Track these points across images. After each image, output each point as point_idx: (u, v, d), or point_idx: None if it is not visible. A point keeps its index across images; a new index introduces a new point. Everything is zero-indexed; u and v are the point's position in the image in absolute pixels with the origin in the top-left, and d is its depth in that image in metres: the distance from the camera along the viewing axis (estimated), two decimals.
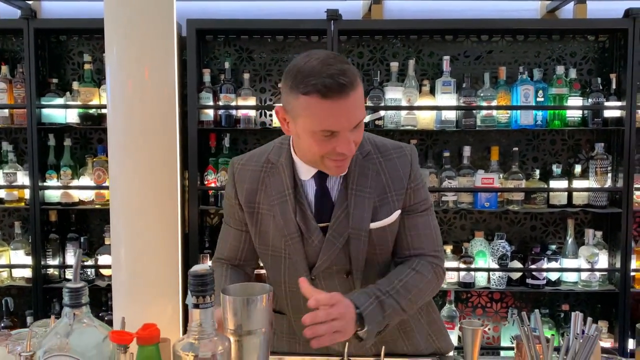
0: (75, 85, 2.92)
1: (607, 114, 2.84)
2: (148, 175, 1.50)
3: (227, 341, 0.95)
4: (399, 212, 1.37)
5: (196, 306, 0.88)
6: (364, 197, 1.34)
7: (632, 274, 2.83)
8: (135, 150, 1.51)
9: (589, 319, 1.05)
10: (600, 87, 2.87)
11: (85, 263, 2.93)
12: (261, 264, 1.53)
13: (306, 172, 1.36)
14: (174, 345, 0.89)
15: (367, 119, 2.89)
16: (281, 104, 1.28)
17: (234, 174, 1.43)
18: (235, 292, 1.22)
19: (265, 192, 1.38)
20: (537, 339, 1.31)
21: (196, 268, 0.90)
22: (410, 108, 2.85)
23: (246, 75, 2.92)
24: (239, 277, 1.46)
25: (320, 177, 1.35)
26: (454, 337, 2.89)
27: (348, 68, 1.19)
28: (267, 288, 1.21)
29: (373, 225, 1.35)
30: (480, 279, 2.92)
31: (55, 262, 2.96)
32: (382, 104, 2.87)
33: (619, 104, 2.82)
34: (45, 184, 2.92)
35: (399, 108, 2.86)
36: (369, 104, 2.86)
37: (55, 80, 2.95)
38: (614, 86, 2.85)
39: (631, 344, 2.81)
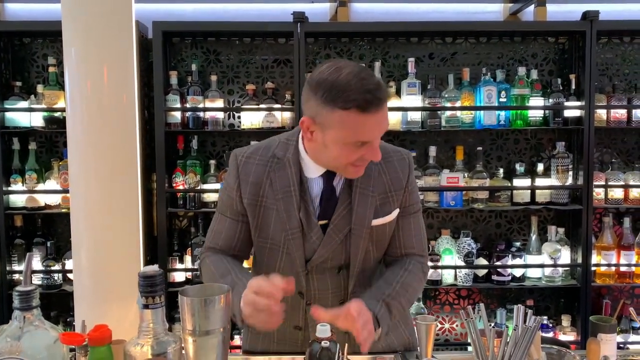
0: (39, 88, 2.89)
1: (568, 113, 2.92)
2: (108, 178, 1.51)
3: (177, 341, 0.96)
4: (397, 210, 1.45)
5: (146, 307, 0.90)
6: (367, 196, 1.41)
7: (593, 268, 2.91)
8: (95, 152, 1.51)
9: (530, 312, 1.09)
10: (561, 88, 2.95)
11: (52, 268, 2.90)
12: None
13: (314, 171, 1.40)
14: (124, 345, 0.90)
15: None
16: (307, 115, 1.31)
17: (237, 166, 1.45)
18: (194, 292, 1.23)
19: (271, 187, 1.41)
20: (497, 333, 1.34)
21: (145, 269, 0.92)
22: None
23: (213, 77, 2.93)
24: (240, 264, 1.47)
25: (328, 176, 1.41)
26: None
27: (379, 81, 1.26)
28: (225, 288, 1.22)
29: (375, 222, 1.42)
30: (447, 276, 2.97)
31: (21, 267, 2.92)
32: None
33: (578, 103, 2.90)
34: (9, 188, 2.88)
35: None
36: None
37: (19, 83, 2.92)
38: (573, 86, 2.93)
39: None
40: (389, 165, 1.45)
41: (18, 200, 2.91)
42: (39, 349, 0.87)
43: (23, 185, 2.89)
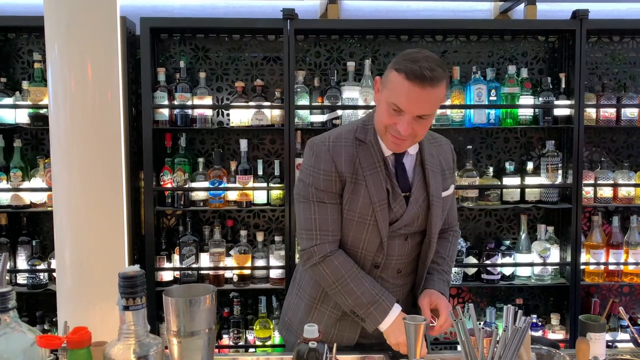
0: (25, 84, 2.84)
1: (557, 112, 2.92)
2: (92, 177, 1.48)
3: (160, 343, 0.94)
4: (453, 186, 1.71)
5: (126, 308, 0.87)
6: (435, 172, 1.63)
7: (582, 267, 2.92)
8: (79, 150, 1.48)
9: (520, 312, 1.08)
10: (551, 86, 2.95)
11: (38, 267, 2.85)
12: None
13: (387, 149, 1.57)
14: (104, 348, 0.87)
15: (324, 117, 2.90)
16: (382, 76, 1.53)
17: (328, 150, 1.56)
18: (179, 293, 1.21)
19: (360, 165, 1.56)
20: (484, 329, 1.34)
21: (126, 269, 0.89)
22: (367, 107, 2.87)
23: (202, 74, 2.90)
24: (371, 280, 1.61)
25: (397, 156, 1.58)
26: None
27: (439, 70, 1.41)
28: (211, 288, 1.21)
29: (443, 194, 1.65)
30: None
31: (6, 266, 2.87)
32: (339, 104, 2.88)
33: (568, 102, 2.90)
34: None
35: (355, 107, 2.87)
36: (326, 103, 2.87)
37: (3, 80, 2.87)
38: (563, 85, 2.93)
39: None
40: (440, 149, 1.68)
41: (2, 198, 2.86)
42: (16, 352, 0.85)
43: (8, 183, 2.84)
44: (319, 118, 2.89)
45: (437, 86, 1.41)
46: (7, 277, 2.90)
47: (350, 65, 2.91)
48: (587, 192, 2.96)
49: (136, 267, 0.92)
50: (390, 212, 1.57)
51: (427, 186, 1.61)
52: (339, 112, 2.89)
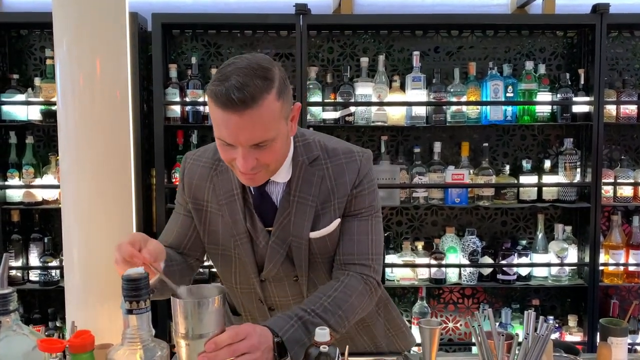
0: (37, 81, 2.84)
1: (576, 109, 2.85)
2: (101, 174, 1.46)
3: (165, 348, 0.91)
4: (338, 220, 1.32)
5: (130, 312, 0.84)
6: (306, 205, 1.29)
7: (601, 268, 2.85)
8: (88, 148, 1.46)
9: (541, 318, 1.03)
10: (569, 83, 2.88)
11: (50, 264, 2.85)
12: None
13: None
14: (107, 352, 0.85)
15: (337, 114, 2.86)
16: None
17: (184, 168, 1.39)
18: (186, 293, 1.18)
19: (214, 191, 1.34)
20: (503, 336, 1.29)
21: (129, 272, 0.86)
22: (381, 104, 2.83)
23: (214, 71, 2.85)
24: (181, 264, 1.36)
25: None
26: None
27: (255, 84, 1.09)
28: (220, 289, 1.17)
29: (312, 234, 1.31)
30: (452, 275, 2.91)
31: (19, 263, 2.88)
32: (353, 100, 2.83)
33: (587, 99, 2.82)
34: (6, 183, 2.83)
35: (369, 104, 2.83)
36: (338, 99, 2.83)
37: (16, 76, 2.87)
38: (582, 81, 2.85)
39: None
40: (334, 169, 1.31)
41: (15, 195, 2.86)
42: (17, 356, 0.82)
43: (20, 180, 2.84)
44: (331, 115, 2.85)
45: (255, 105, 1.09)
46: (19, 274, 2.92)
47: (364, 61, 2.87)
48: (607, 191, 2.89)
49: (140, 269, 0.88)
50: (257, 247, 1.33)
51: (290, 223, 1.30)
52: (352, 109, 2.84)
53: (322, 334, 1.17)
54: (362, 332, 1.48)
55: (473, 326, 1.08)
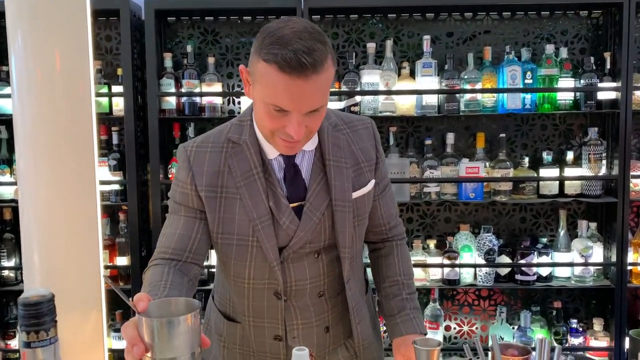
0: None
1: (601, 96, 2.64)
2: (61, 174, 1.30)
3: None
4: (373, 181, 1.36)
5: (27, 345, 0.66)
6: (342, 168, 1.30)
7: (629, 267, 2.64)
8: (46, 145, 1.31)
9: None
10: (594, 67, 2.66)
11: None
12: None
13: (272, 150, 1.26)
14: None
15: (342, 104, 2.68)
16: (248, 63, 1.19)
17: (188, 158, 1.28)
18: (156, 309, 1.02)
19: (230, 174, 1.26)
20: (513, 348, 1.15)
21: (28, 294, 0.69)
22: (389, 93, 2.64)
23: (211, 60, 2.71)
24: (181, 283, 1.22)
25: (286, 156, 1.26)
26: (439, 337, 2.71)
27: (319, 48, 1.08)
28: (195, 304, 1.01)
29: (355, 194, 1.32)
30: (466, 275, 2.72)
31: (11, 263, 2.76)
32: (358, 89, 2.65)
33: (613, 85, 2.61)
34: None
35: (376, 93, 2.64)
36: (343, 88, 2.65)
37: (5, 69, 2.74)
38: (608, 66, 2.64)
39: (628, 344, 2.62)
40: (355, 135, 1.35)
41: (6, 192, 2.74)
42: None
43: (11, 176, 2.72)
44: (335, 105, 2.67)
45: (322, 69, 1.08)
46: (12, 274, 2.81)
47: (371, 46, 2.68)
48: (635, 184, 2.68)
49: (42, 290, 0.71)
50: (279, 229, 1.26)
51: (330, 188, 1.28)
52: (358, 98, 2.66)
53: (300, 355, 1.01)
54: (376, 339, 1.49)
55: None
